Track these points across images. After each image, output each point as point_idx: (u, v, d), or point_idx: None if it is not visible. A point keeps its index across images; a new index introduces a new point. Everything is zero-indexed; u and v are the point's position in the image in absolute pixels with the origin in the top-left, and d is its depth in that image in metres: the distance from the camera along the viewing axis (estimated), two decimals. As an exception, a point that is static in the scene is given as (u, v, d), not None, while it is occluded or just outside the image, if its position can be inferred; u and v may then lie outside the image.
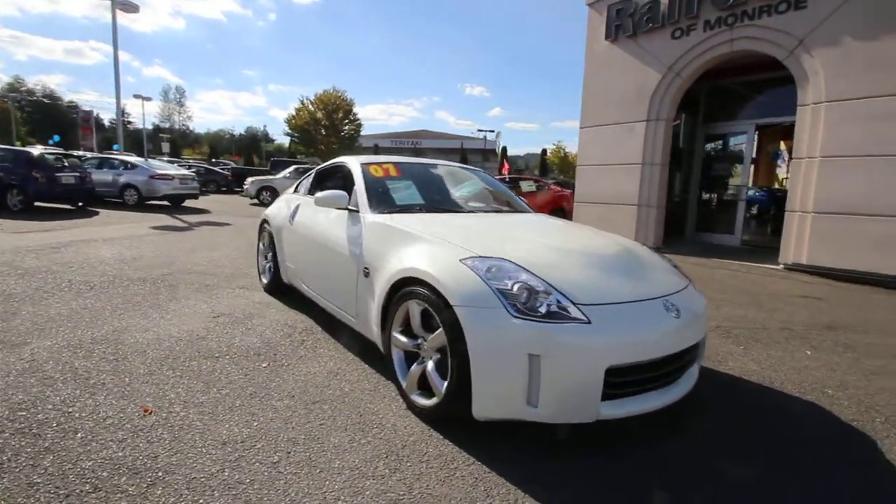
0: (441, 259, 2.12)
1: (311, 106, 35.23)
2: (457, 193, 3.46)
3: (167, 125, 66.15)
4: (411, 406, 2.20)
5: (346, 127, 37.19)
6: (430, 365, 2.09)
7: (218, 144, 69.69)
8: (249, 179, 15.78)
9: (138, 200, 12.05)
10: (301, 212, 3.61)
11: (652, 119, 8.16)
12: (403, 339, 2.26)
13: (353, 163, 3.29)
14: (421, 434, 2.02)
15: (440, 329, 1.99)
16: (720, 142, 9.19)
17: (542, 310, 1.84)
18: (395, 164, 3.39)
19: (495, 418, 1.88)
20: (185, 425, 2.00)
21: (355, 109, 37.23)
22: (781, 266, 6.67)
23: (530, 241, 2.47)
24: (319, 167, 3.89)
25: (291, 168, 16.15)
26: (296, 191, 4.11)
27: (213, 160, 31.60)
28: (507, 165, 26.07)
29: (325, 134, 35.89)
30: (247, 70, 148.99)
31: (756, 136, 8.38)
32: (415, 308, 2.16)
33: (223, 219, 10.39)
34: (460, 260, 2.06)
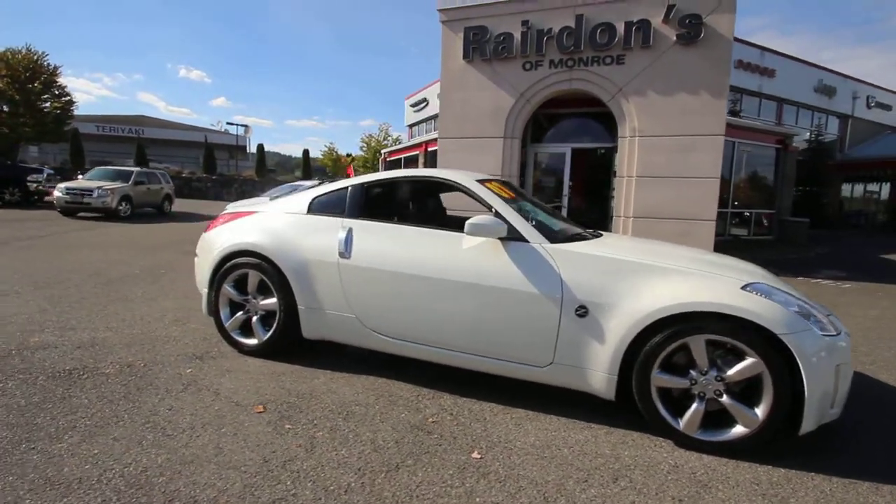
0: (721, 289, 2.13)
1: (-19, 70, 23.98)
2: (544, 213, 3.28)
3: None
4: (699, 446, 2.13)
5: (48, 104, 27.05)
6: (726, 398, 2.08)
7: None
8: (101, 185, 12.43)
9: None
10: (371, 241, 2.74)
11: (508, 137, 9.28)
12: (672, 377, 2.15)
13: (467, 179, 2.76)
14: (741, 471, 2.00)
15: (750, 360, 2.02)
16: (546, 159, 11.16)
17: (818, 327, 2.11)
18: (498, 182, 2.98)
19: (812, 430, 2.05)
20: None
21: (61, 81, 27.49)
22: (612, 258, 8.72)
23: (712, 262, 2.65)
24: (367, 179, 2.97)
25: (136, 169, 14.26)
26: (310, 211, 3.02)
27: None
28: (351, 170, 24.61)
29: (9, 112, 25.20)
30: None
31: (571, 157, 10.57)
32: (699, 343, 2.08)
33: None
34: (741, 288, 2.12)
